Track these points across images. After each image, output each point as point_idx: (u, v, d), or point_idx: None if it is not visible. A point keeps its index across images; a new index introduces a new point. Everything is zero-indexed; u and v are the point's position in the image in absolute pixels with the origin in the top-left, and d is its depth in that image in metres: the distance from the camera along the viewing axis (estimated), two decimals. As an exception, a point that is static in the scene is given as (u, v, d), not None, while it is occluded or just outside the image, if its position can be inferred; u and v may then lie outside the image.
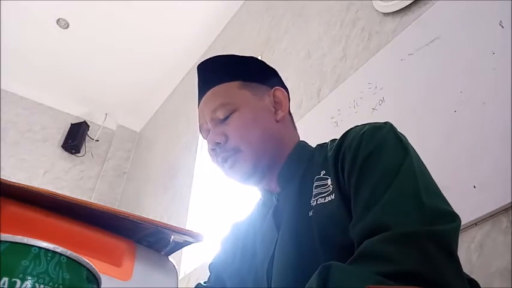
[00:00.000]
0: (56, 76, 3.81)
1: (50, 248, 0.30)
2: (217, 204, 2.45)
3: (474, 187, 1.04)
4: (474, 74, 1.19)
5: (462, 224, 0.56)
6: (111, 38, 3.49)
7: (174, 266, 0.56)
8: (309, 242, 0.64)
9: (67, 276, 0.30)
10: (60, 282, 0.30)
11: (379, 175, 0.58)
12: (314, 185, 0.70)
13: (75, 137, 3.83)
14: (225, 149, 0.76)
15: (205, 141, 0.80)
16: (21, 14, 3.27)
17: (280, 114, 0.81)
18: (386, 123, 0.68)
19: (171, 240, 0.54)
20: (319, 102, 1.81)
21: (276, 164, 0.77)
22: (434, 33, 1.38)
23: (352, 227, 0.58)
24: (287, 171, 0.77)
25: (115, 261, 0.50)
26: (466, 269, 0.54)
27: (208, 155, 0.81)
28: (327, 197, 0.66)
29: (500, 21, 1.17)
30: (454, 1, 1.37)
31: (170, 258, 0.57)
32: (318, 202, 0.67)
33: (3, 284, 0.28)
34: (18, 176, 3.39)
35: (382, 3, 1.66)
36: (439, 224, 0.51)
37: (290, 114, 0.86)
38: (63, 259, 0.31)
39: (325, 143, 0.78)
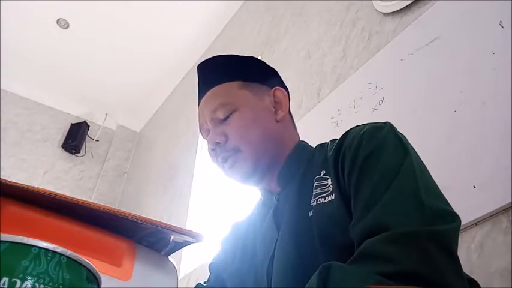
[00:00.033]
0: (56, 76, 3.81)
1: (50, 248, 0.30)
2: (217, 204, 2.45)
3: (474, 187, 1.04)
4: (474, 74, 1.19)
5: (462, 224, 0.56)
6: (111, 38, 3.49)
7: (174, 266, 0.56)
8: (309, 242, 0.64)
9: (67, 276, 0.30)
10: (60, 282, 0.30)
11: (379, 175, 0.58)
12: (314, 185, 0.70)
13: (75, 137, 3.83)
14: (225, 149, 0.76)
15: (205, 141, 0.80)
16: (21, 14, 3.27)
17: (280, 114, 0.81)
18: (386, 123, 0.68)
19: (171, 240, 0.54)
20: (319, 102, 1.81)
21: (276, 164, 0.77)
22: (434, 33, 1.38)
23: (352, 227, 0.58)
24: (287, 171, 0.77)
25: (115, 261, 0.50)
26: (466, 269, 0.54)
27: (208, 155, 0.81)
28: (327, 197, 0.66)
29: (500, 21, 1.17)
30: (454, 1, 1.37)
31: (170, 258, 0.57)
32: (318, 202, 0.67)
33: (3, 284, 0.28)
34: (18, 176, 3.39)
35: (382, 3, 1.66)
36: (439, 224, 0.51)
37: (290, 114, 0.86)
38: (63, 259, 0.31)
39: (325, 143, 0.78)
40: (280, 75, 0.89)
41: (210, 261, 0.87)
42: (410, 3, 1.54)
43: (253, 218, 0.83)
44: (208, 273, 0.86)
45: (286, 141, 0.80)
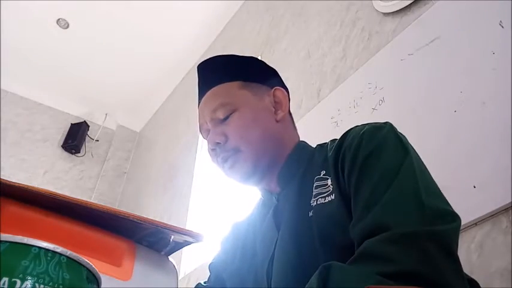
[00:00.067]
0: (56, 76, 3.81)
1: (50, 248, 0.30)
2: (217, 204, 2.45)
3: (474, 187, 1.04)
4: (474, 74, 1.19)
5: (462, 224, 0.56)
6: (111, 38, 3.49)
7: (174, 266, 0.56)
8: (309, 242, 0.64)
9: (67, 276, 0.30)
10: (60, 282, 0.30)
11: (379, 175, 0.58)
12: (314, 185, 0.70)
13: (75, 137, 3.83)
14: (225, 149, 0.76)
15: (205, 141, 0.80)
16: (21, 14, 3.27)
17: (280, 114, 0.81)
18: (386, 123, 0.68)
19: (171, 240, 0.54)
20: (319, 102, 1.81)
21: (276, 164, 0.77)
22: (434, 33, 1.38)
23: (352, 227, 0.58)
24: (287, 171, 0.77)
25: (115, 261, 0.50)
26: (466, 269, 0.54)
27: (208, 155, 0.81)
28: (327, 197, 0.66)
29: (500, 21, 1.17)
30: (454, 1, 1.37)
31: (170, 258, 0.57)
32: (318, 202, 0.67)
33: (3, 284, 0.28)
34: (18, 176, 3.39)
35: (382, 3, 1.66)
36: (439, 224, 0.51)
37: (290, 114, 0.86)
38: (63, 259, 0.31)
39: (325, 143, 0.78)
40: (280, 75, 0.89)
41: (210, 261, 0.87)
42: (410, 3, 1.54)
43: (253, 218, 0.83)
44: (208, 273, 0.86)
45: (286, 141, 0.80)
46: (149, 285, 0.51)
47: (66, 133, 3.89)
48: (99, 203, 0.59)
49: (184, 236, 0.54)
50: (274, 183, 0.78)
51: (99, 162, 3.97)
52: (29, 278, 0.29)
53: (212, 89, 0.80)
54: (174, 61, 3.64)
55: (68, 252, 0.31)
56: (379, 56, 1.58)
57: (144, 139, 4.18)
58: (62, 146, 3.83)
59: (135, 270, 0.51)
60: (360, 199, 0.58)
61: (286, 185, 0.76)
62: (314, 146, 0.81)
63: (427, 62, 1.36)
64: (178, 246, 0.55)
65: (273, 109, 0.81)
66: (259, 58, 0.94)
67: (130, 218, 0.50)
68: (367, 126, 0.67)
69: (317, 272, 0.46)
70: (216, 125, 0.78)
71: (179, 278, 0.94)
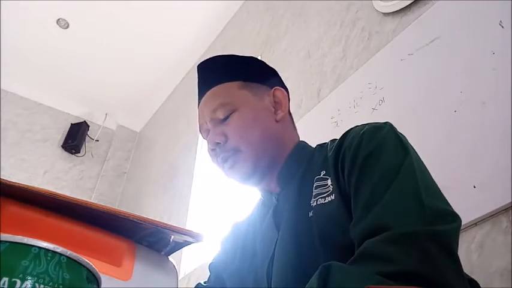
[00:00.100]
0: (56, 76, 3.81)
1: (50, 248, 0.30)
2: (217, 204, 2.45)
3: (474, 187, 1.04)
4: (474, 74, 1.19)
5: (462, 224, 0.56)
6: (111, 38, 3.49)
7: (174, 266, 0.56)
8: (308, 242, 0.64)
9: (67, 276, 0.30)
10: (60, 282, 0.30)
11: (379, 175, 0.58)
12: (314, 185, 0.70)
13: (75, 137, 3.83)
14: (224, 149, 0.76)
15: (205, 141, 0.80)
16: (21, 14, 3.27)
17: (280, 114, 0.81)
18: (386, 123, 0.68)
19: (171, 240, 0.54)
20: (319, 102, 1.81)
21: (276, 164, 0.77)
22: (434, 33, 1.38)
23: (352, 227, 0.57)
24: (287, 171, 0.77)
25: (115, 261, 0.50)
26: (466, 269, 0.54)
27: (208, 155, 0.81)
28: (327, 198, 0.66)
29: (500, 21, 1.17)
30: (454, 1, 1.37)
31: (170, 258, 0.57)
32: (318, 202, 0.67)
33: (3, 284, 0.28)
34: (18, 176, 3.39)
35: (382, 3, 1.66)
36: (440, 224, 0.51)
37: (290, 114, 0.86)
38: (63, 259, 0.31)
39: (325, 143, 0.78)
40: (280, 75, 0.89)
41: (210, 261, 0.87)
42: (410, 3, 1.54)
43: (253, 218, 0.83)
44: (208, 273, 0.86)
45: (286, 141, 0.80)
46: (149, 285, 0.51)
47: (66, 133, 3.89)
48: (99, 203, 0.59)
49: (184, 236, 0.54)
50: (274, 183, 0.78)
51: (99, 162, 3.97)
52: (29, 278, 0.29)
53: (212, 89, 0.80)
54: (174, 61, 3.64)
55: (68, 252, 0.31)
56: (379, 56, 1.58)
57: (144, 139, 4.18)
58: (62, 146, 3.83)
59: (135, 270, 0.51)
60: (360, 199, 0.58)
61: (286, 185, 0.76)
62: (314, 146, 0.81)
63: (427, 62, 1.36)
64: (178, 246, 0.55)
65: (273, 109, 0.81)
66: (259, 58, 0.94)
67: (130, 218, 0.50)
68: (367, 126, 0.67)
69: (317, 272, 0.45)
70: (216, 125, 0.77)
71: (179, 278, 0.94)
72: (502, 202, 0.98)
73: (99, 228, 0.51)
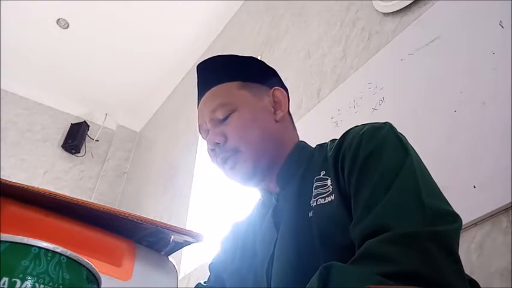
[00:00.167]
0: (56, 76, 3.81)
1: (50, 248, 0.30)
2: (217, 204, 2.45)
3: (474, 187, 1.04)
4: (474, 74, 1.19)
5: (462, 224, 0.56)
6: (111, 38, 3.49)
7: (174, 266, 0.56)
8: (308, 242, 0.64)
9: (67, 276, 0.30)
10: (60, 282, 0.30)
11: (380, 175, 0.58)
12: (314, 186, 0.69)
13: (75, 137, 3.83)
14: (224, 149, 0.76)
15: (205, 141, 0.80)
16: (21, 14, 3.27)
17: (280, 114, 0.81)
18: (386, 123, 0.68)
19: (171, 240, 0.54)
20: (319, 102, 1.81)
21: (276, 165, 0.77)
22: (434, 33, 1.38)
23: (352, 227, 0.57)
24: (286, 171, 0.77)
25: (115, 261, 0.50)
26: (466, 269, 0.54)
27: (208, 156, 0.81)
28: (326, 198, 0.66)
29: (500, 21, 1.17)
30: (454, 1, 1.37)
31: (170, 258, 0.57)
32: (317, 203, 0.67)
33: (3, 284, 0.28)
34: (18, 176, 3.39)
35: (382, 3, 1.66)
36: (440, 224, 0.51)
37: (289, 114, 0.86)
38: (63, 259, 0.31)
39: (325, 143, 0.78)
40: (280, 75, 0.89)
41: (210, 261, 0.87)
42: (410, 3, 1.54)
43: (253, 218, 0.83)
44: (208, 273, 0.86)
45: (285, 142, 0.80)
46: (149, 285, 0.51)
47: (66, 133, 3.89)
48: (99, 203, 0.59)
49: (184, 236, 0.54)
50: (273, 184, 0.78)
51: (99, 162, 3.97)
52: (29, 278, 0.29)
53: (211, 89, 0.80)
54: (174, 61, 3.64)
55: (68, 252, 0.31)
56: (379, 56, 1.58)
57: (144, 139, 4.18)
58: (62, 146, 3.83)
59: (135, 270, 0.51)
60: (360, 199, 0.58)
61: (286, 185, 0.76)
62: (314, 146, 0.81)
63: (427, 62, 1.36)
64: (178, 246, 0.55)
65: (272, 109, 0.81)
66: (259, 58, 0.94)
67: (130, 218, 0.50)
68: (366, 126, 0.67)
69: (317, 272, 0.45)
70: (216, 125, 0.77)
71: (179, 278, 0.94)
72: (502, 202, 0.98)
73: (99, 228, 0.51)
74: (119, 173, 3.99)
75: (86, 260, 0.32)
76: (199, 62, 0.87)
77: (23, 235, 0.31)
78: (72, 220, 0.50)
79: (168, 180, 3.17)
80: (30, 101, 3.88)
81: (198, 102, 0.83)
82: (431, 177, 0.61)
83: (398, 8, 1.58)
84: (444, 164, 1.13)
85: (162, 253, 0.56)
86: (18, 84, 3.79)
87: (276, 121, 0.80)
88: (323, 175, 0.69)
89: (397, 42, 1.52)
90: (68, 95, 3.98)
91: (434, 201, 0.55)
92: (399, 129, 0.67)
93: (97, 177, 3.87)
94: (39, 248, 0.30)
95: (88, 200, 0.79)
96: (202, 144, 2.82)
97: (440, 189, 0.59)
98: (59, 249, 0.31)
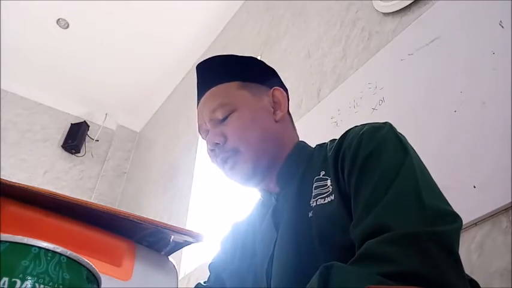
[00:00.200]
0: (56, 76, 3.81)
1: (50, 248, 0.30)
2: (217, 204, 2.45)
3: (474, 187, 1.04)
4: (474, 74, 1.19)
5: (462, 224, 0.56)
6: (111, 38, 3.49)
7: (174, 266, 0.56)
8: (308, 243, 0.64)
9: (67, 276, 0.30)
10: (60, 282, 0.30)
11: (379, 175, 0.58)
12: (314, 186, 0.69)
13: (75, 137, 3.83)
14: (224, 149, 0.76)
15: (205, 142, 0.80)
16: (21, 14, 3.27)
17: (279, 114, 0.81)
18: (385, 123, 0.68)
19: (171, 240, 0.54)
20: (319, 102, 1.81)
21: (275, 165, 0.77)
22: (434, 33, 1.38)
23: (352, 228, 0.57)
24: (286, 171, 0.77)
25: (115, 261, 0.50)
26: (466, 269, 0.54)
27: (208, 156, 0.81)
28: (326, 198, 0.66)
29: (500, 21, 1.17)
30: (454, 1, 1.37)
31: (170, 258, 0.57)
32: (317, 203, 0.67)
33: (3, 284, 0.28)
34: (18, 176, 3.39)
35: (382, 3, 1.66)
36: (440, 224, 0.51)
37: (289, 114, 0.86)
38: (63, 259, 0.31)
39: (325, 143, 0.78)
40: (280, 75, 0.89)
41: (210, 261, 0.87)
42: (410, 3, 1.54)
43: (253, 218, 0.83)
44: (208, 273, 0.86)
45: (285, 142, 0.80)
46: (149, 285, 0.51)
47: (66, 133, 3.89)
48: (99, 203, 0.59)
49: (184, 236, 0.54)
50: (273, 184, 0.78)
51: (99, 162, 3.97)
52: (29, 278, 0.29)
53: (211, 89, 0.80)
54: (174, 61, 3.64)
55: (68, 252, 0.31)
56: (379, 56, 1.58)
57: (144, 139, 4.18)
58: (62, 146, 3.83)
59: (135, 270, 0.51)
60: (360, 200, 0.58)
61: (286, 185, 0.76)
62: (314, 146, 0.81)
63: (427, 62, 1.36)
64: (178, 246, 0.55)
65: (272, 109, 0.81)
66: (259, 58, 0.94)
67: (130, 218, 0.50)
68: (366, 127, 0.67)
69: (318, 272, 0.45)
70: (215, 125, 0.77)
71: (179, 278, 0.94)
72: (502, 202, 0.98)
73: (99, 228, 0.51)
74: (119, 173, 3.99)
75: (86, 260, 0.32)
76: (198, 62, 0.87)
77: (23, 235, 0.31)
78: (72, 220, 0.50)
79: (168, 180, 3.17)
80: (30, 101, 3.88)
81: (198, 103, 0.83)
82: (431, 177, 0.61)
83: (398, 8, 1.58)
84: (444, 164, 1.13)
85: (162, 253, 0.56)
86: (18, 84, 3.79)
87: (276, 121, 0.80)
88: (323, 175, 0.69)
89: (397, 42, 1.52)
90: (68, 95, 3.98)
91: (434, 201, 0.54)
92: (399, 129, 0.67)
93: (97, 177, 3.87)
94: (39, 248, 0.30)
95: (88, 200, 0.79)
96: (202, 144, 2.82)
97: (440, 189, 0.59)
98: (59, 249, 0.31)
